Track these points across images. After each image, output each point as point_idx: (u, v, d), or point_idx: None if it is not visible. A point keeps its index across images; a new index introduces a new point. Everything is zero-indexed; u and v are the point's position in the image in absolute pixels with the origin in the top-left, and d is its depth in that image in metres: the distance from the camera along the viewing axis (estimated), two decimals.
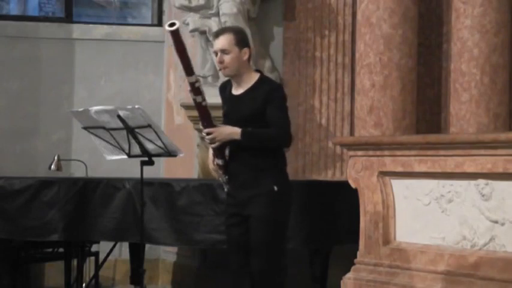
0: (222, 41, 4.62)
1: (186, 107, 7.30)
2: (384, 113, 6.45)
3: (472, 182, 5.03)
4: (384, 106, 6.46)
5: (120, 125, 4.96)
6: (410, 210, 5.38)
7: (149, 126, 4.92)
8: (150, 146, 5.04)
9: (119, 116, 4.92)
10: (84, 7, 8.51)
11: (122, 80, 8.08)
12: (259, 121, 4.56)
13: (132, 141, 5.02)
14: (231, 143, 4.61)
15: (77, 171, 7.68)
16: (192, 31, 7.30)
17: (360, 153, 5.62)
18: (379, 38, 6.47)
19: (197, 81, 4.59)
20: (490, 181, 4.94)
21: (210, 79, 7.21)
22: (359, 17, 6.68)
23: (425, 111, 6.92)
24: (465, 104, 6.37)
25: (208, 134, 4.59)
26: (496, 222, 4.91)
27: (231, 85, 4.73)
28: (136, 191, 5.72)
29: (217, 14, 7.18)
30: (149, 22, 8.32)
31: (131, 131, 4.97)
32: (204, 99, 4.59)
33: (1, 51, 7.94)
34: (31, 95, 7.99)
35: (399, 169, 5.40)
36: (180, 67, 7.68)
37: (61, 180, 6.14)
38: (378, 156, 5.51)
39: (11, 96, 7.95)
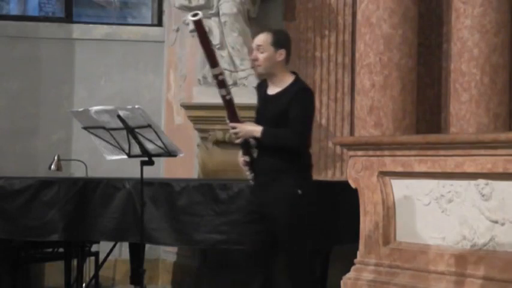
0: (260, 38, 4.67)
1: (186, 107, 7.30)
2: (384, 113, 6.44)
3: (472, 182, 5.02)
4: (383, 106, 6.45)
5: (120, 125, 4.96)
6: (410, 210, 5.37)
7: (149, 126, 4.92)
8: (150, 146, 5.04)
9: (119, 116, 4.92)
10: (84, 7, 8.50)
11: (122, 80, 8.07)
12: (287, 122, 4.57)
13: (132, 141, 5.02)
14: (256, 141, 4.62)
15: (77, 171, 7.67)
16: (192, 31, 7.28)
17: (360, 153, 5.62)
18: (379, 38, 6.47)
19: (221, 73, 4.62)
20: (490, 181, 4.94)
21: (210, 79, 7.20)
22: (359, 17, 6.68)
23: (425, 111, 6.92)
24: (465, 104, 6.37)
25: (233, 128, 4.63)
26: (496, 222, 4.91)
27: (267, 85, 4.75)
28: (136, 191, 5.72)
29: (217, 14, 7.18)
30: (149, 22, 8.31)
31: (131, 131, 4.96)
32: (228, 93, 4.62)
33: (1, 51, 7.93)
34: (31, 95, 7.98)
35: (399, 169, 5.40)
36: (180, 67, 7.77)
37: (61, 180, 6.13)
38: (378, 156, 5.51)
39: (11, 96, 7.95)
